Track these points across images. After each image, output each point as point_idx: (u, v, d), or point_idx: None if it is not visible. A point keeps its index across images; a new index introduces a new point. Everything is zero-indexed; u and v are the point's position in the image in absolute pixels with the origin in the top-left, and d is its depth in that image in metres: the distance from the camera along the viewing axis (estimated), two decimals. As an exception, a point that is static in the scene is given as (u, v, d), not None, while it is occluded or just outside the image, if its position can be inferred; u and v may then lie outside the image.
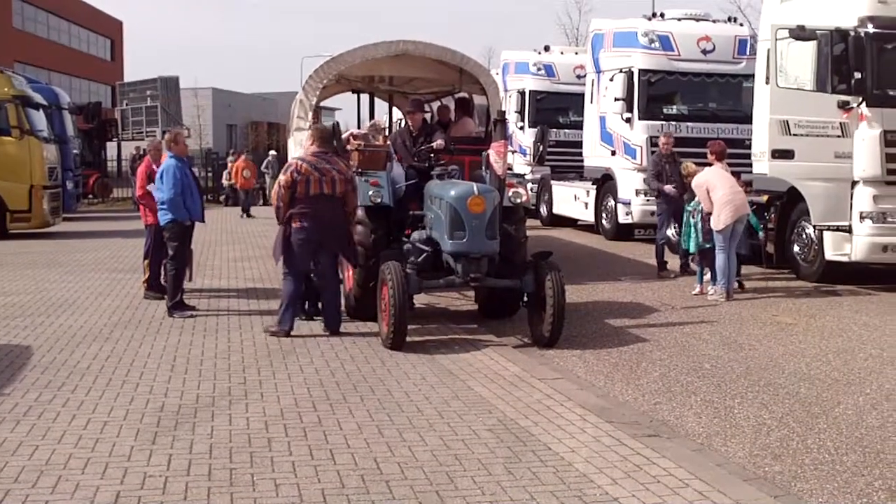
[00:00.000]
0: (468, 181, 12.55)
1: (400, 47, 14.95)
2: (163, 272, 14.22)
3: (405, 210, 13.14)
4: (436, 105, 18.58)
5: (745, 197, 15.65)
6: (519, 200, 13.07)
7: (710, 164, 15.99)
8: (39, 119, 26.39)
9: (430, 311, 13.95)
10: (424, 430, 7.99)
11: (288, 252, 11.99)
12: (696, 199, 15.64)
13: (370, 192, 12.73)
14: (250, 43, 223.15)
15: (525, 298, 11.91)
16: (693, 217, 15.69)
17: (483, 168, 12.65)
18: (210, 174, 43.97)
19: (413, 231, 12.90)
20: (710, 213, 15.23)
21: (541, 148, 14.05)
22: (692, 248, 15.84)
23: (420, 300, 13.53)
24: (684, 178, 16.92)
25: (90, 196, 38.87)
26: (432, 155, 13.63)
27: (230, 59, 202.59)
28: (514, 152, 26.26)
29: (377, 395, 9.09)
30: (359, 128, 19.54)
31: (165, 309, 13.39)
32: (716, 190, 15.09)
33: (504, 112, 13.17)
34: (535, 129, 14.77)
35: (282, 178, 12.14)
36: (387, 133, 17.84)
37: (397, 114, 22.24)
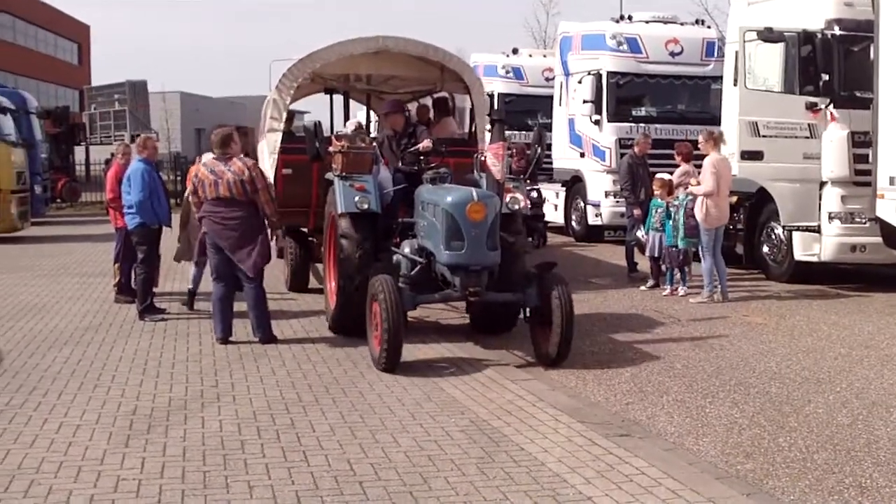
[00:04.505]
0: (463, 185, 11.59)
1: (379, 44, 14.32)
2: (133, 276, 14.17)
3: (393, 217, 12.30)
4: (412, 106, 18.23)
5: (727, 210, 15.61)
6: (517, 207, 12.06)
7: (678, 166, 16.13)
8: (7, 123, 26.19)
9: (419, 326, 12.81)
10: (397, 431, 8.00)
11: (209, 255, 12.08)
12: (683, 195, 15.61)
13: (356, 198, 11.74)
14: (218, 46, 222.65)
15: (527, 313, 11.04)
16: (677, 213, 15.61)
17: (475, 171, 12.08)
18: (179, 178, 43.75)
19: (401, 240, 12.11)
20: (692, 210, 15.20)
21: (538, 150, 13.48)
22: (681, 245, 15.64)
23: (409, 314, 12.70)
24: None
25: (59, 200, 38.60)
26: (420, 157, 12.79)
27: (198, 63, 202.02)
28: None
29: (350, 397, 9.09)
30: (331, 131, 19.30)
31: (136, 312, 13.35)
32: (717, 182, 15.02)
33: (502, 111, 12.88)
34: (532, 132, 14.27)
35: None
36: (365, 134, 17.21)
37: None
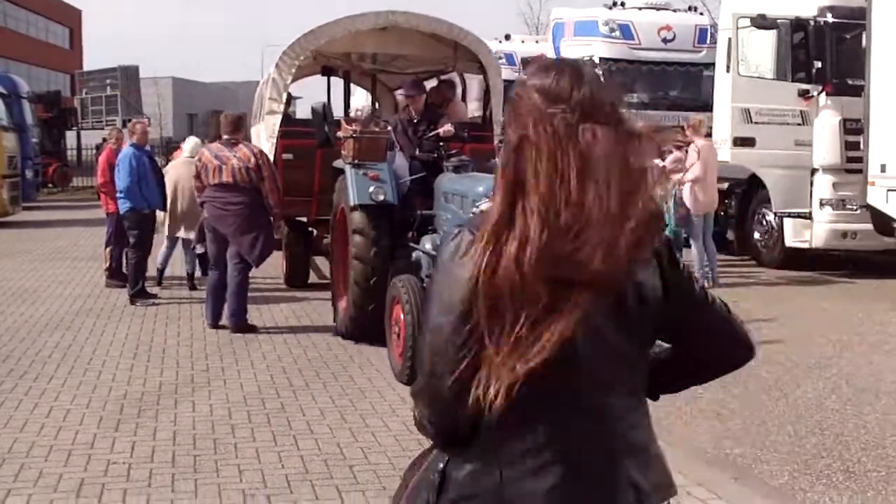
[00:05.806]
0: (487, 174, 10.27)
1: (388, 19, 13.53)
2: (124, 260, 14.18)
3: (410, 209, 10.94)
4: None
5: (716, 196, 15.63)
6: None
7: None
8: (-2, 108, 26.21)
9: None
10: (387, 415, 8.01)
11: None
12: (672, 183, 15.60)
13: (371, 189, 10.55)
14: (210, 32, 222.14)
15: None
16: (666, 202, 15.60)
17: (497, 158, 11.61)
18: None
19: (419, 235, 10.71)
20: (681, 199, 15.18)
21: None
22: (667, 233, 15.59)
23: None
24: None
25: (50, 185, 38.54)
26: (440, 144, 11.59)
27: (190, 48, 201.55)
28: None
29: (340, 382, 9.10)
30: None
31: (127, 297, 13.34)
32: (704, 168, 15.01)
33: None
34: None
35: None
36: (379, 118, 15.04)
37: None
